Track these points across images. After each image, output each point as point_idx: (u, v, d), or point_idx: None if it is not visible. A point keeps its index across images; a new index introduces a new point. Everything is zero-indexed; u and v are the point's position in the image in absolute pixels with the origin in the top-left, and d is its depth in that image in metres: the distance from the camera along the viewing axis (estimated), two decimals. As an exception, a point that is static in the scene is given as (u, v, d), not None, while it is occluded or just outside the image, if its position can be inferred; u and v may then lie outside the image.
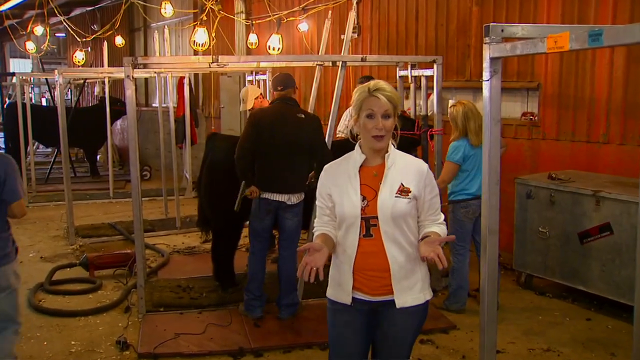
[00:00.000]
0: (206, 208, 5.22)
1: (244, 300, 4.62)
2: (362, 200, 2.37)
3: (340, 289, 2.44)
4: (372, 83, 2.40)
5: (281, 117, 4.35)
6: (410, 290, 2.40)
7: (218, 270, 5.12)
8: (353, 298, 2.41)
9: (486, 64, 2.30)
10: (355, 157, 2.45)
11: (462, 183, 4.55)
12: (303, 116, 4.41)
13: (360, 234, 2.37)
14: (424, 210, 2.43)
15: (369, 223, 2.37)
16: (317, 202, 2.53)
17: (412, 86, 5.60)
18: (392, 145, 2.44)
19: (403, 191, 2.36)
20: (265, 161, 4.32)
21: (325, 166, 2.55)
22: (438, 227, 2.43)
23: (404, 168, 2.41)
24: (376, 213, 2.35)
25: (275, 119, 4.33)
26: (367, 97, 2.36)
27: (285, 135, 4.28)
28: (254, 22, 9.11)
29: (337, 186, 2.44)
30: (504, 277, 5.32)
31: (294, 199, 4.36)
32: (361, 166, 2.43)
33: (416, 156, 5.35)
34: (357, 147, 2.47)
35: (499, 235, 2.50)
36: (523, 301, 4.95)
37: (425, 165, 2.46)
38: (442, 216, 2.47)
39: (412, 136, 5.06)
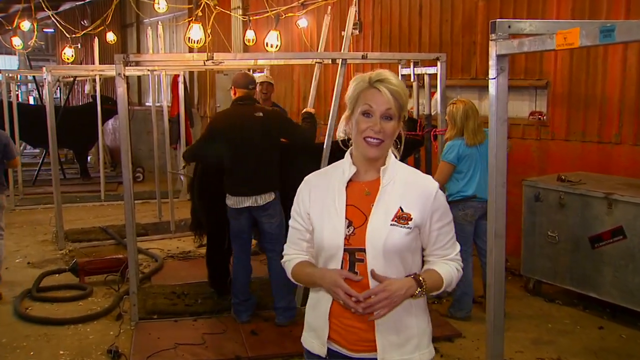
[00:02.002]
0: (199, 211, 5.23)
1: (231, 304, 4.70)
2: (348, 227, 1.91)
3: (315, 335, 2.03)
4: (372, 73, 1.93)
5: (236, 119, 4.43)
6: (400, 349, 1.92)
7: (213, 276, 5.12)
8: (329, 350, 1.99)
9: (492, 62, 2.31)
10: (344, 167, 1.98)
11: (458, 184, 4.56)
12: (261, 114, 4.45)
13: (341, 269, 1.91)
14: (429, 243, 1.97)
15: (354, 257, 1.90)
16: (291, 223, 2.07)
17: (415, 85, 5.61)
18: (393, 156, 1.99)
19: (401, 217, 1.89)
20: (228, 165, 4.43)
21: (307, 177, 2.08)
22: (445, 265, 1.97)
23: (406, 186, 1.94)
24: (364, 245, 1.88)
25: (231, 123, 4.43)
26: (365, 88, 1.91)
27: (243, 138, 4.36)
28: (251, 18, 9.11)
29: (318, 204, 1.98)
30: (512, 283, 5.32)
31: (260, 200, 4.39)
32: (350, 180, 1.97)
33: (419, 158, 5.44)
34: (347, 154, 2.01)
35: (506, 240, 2.50)
36: (531, 308, 4.95)
37: (434, 185, 1.97)
38: (456, 250, 2.02)
39: (415, 137, 5.08)
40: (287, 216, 4.57)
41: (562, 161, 5.59)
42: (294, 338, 4.34)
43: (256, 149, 4.37)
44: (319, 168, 4.32)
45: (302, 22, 8.49)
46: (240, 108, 4.49)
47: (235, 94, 4.55)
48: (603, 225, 4.55)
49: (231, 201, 4.45)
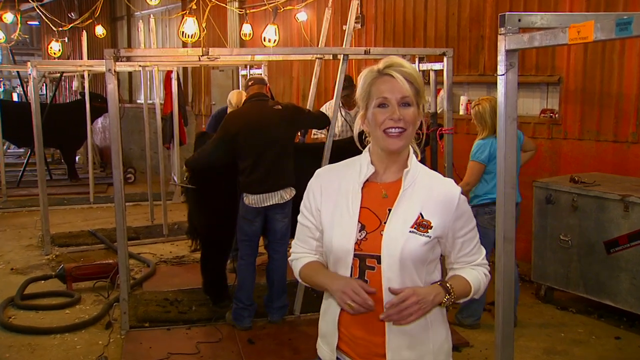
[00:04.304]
0: (194, 214, 5.24)
1: (232, 309, 4.70)
2: (359, 231, 1.86)
3: (325, 342, 1.98)
4: (382, 61, 1.87)
5: (256, 115, 4.52)
6: None
7: (208, 282, 5.12)
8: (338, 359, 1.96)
9: (501, 57, 2.31)
10: (361, 166, 1.93)
11: (487, 186, 4.51)
12: (280, 107, 4.58)
13: (351, 277, 1.87)
14: (454, 251, 1.95)
15: (364, 263, 1.86)
16: (300, 219, 2.03)
17: (420, 81, 5.62)
18: (414, 157, 1.93)
19: (421, 225, 1.84)
20: (249, 164, 4.46)
21: (318, 171, 2.04)
22: (472, 271, 1.95)
23: (427, 191, 1.89)
24: (378, 251, 1.84)
25: (250, 120, 4.50)
26: (376, 78, 1.85)
27: (267, 132, 4.45)
28: (248, 12, 9.13)
29: (330, 203, 1.93)
30: (522, 290, 5.31)
31: (286, 195, 4.50)
32: (367, 181, 1.92)
33: (424, 158, 5.45)
34: (365, 152, 1.96)
35: (516, 244, 2.50)
36: (543, 316, 4.95)
37: (457, 190, 1.92)
38: (482, 254, 1.99)
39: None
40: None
41: (575, 161, 5.59)
42: (293, 347, 4.35)
43: (279, 142, 4.50)
44: (317, 167, 4.26)
45: (302, 16, 8.50)
46: (256, 104, 4.60)
47: (247, 93, 4.73)
48: (619, 229, 4.55)
49: (253, 200, 4.47)
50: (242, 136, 4.45)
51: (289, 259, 2.10)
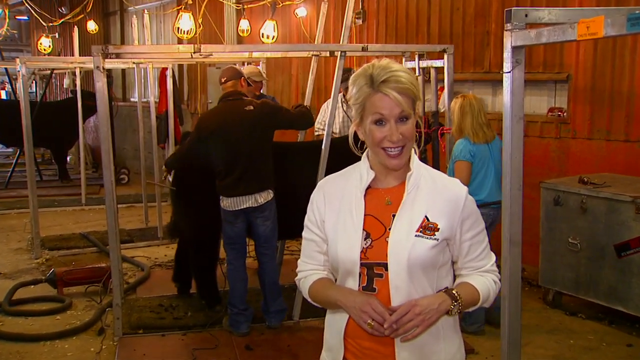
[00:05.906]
0: (179, 217, 5.24)
1: (228, 315, 4.72)
2: (365, 239, 1.87)
3: (331, 356, 1.97)
4: (375, 68, 1.82)
5: (226, 116, 4.52)
6: None
7: (204, 286, 5.12)
8: None
9: (507, 54, 2.31)
10: (362, 173, 1.94)
11: (469, 187, 4.52)
12: (252, 107, 4.54)
13: (359, 287, 1.88)
14: (461, 255, 1.94)
15: (372, 272, 1.86)
16: (306, 234, 2.02)
17: (420, 79, 5.61)
18: (416, 157, 1.93)
19: (427, 228, 1.85)
20: (222, 166, 4.49)
21: (320, 182, 2.05)
22: (481, 278, 1.94)
23: (431, 193, 1.89)
24: (384, 259, 1.84)
25: (221, 121, 4.51)
26: (371, 94, 1.81)
27: (236, 135, 4.44)
28: (245, 7, 9.14)
29: (333, 213, 1.94)
30: (529, 295, 5.32)
31: (260, 198, 4.49)
32: (369, 187, 1.93)
33: (426, 157, 5.45)
34: (363, 158, 1.96)
35: (522, 247, 2.50)
36: (551, 322, 4.95)
37: (463, 189, 1.94)
38: (492, 260, 1.98)
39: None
40: (282, 217, 4.63)
41: (584, 161, 5.59)
42: (292, 354, 4.36)
43: (250, 145, 4.46)
44: (315, 169, 4.25)
45: (301, 11, 8.51)
46: (228, 104, 4.58)
47: (222, 90, 4.68)
48: (630, 231, 4.54)
49: (227, 202, 4.50)
50: (214, 139, 4.49)
51: (296, 278, 2.08)
